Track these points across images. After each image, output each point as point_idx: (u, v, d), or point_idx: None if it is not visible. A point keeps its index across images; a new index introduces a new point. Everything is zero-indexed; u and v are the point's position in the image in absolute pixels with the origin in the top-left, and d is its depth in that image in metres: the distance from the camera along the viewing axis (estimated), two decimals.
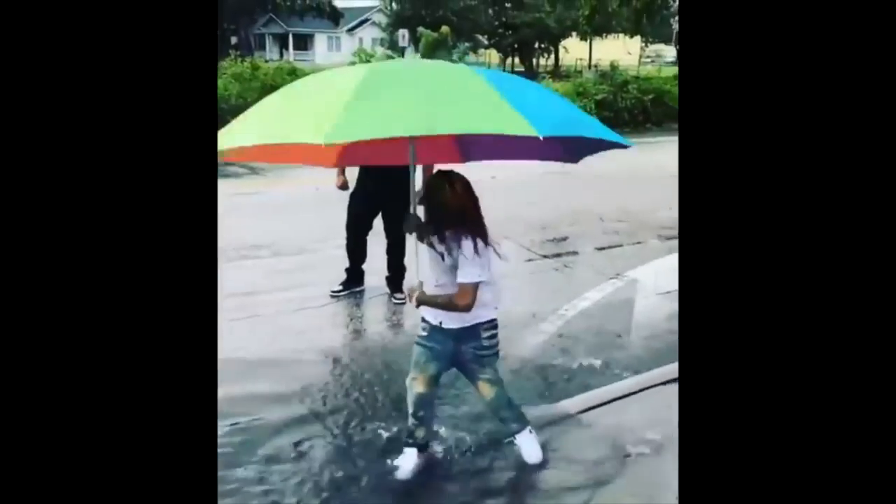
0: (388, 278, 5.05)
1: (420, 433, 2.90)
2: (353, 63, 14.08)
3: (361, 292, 5.10)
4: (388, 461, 2.92)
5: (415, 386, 2.85)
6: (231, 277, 5.14)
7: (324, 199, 5.79)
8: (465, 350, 2.78)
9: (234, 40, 29.65)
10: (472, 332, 2.75)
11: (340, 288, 5.04)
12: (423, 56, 21.80)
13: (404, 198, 4.84)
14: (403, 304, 4.85)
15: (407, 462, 2.89)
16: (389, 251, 4.97)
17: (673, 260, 5.73)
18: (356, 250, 5.03)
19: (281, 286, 5.12)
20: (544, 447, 2.99)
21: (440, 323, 2.74)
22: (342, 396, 3.54)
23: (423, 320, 2.82)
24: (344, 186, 4.90)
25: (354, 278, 5.09)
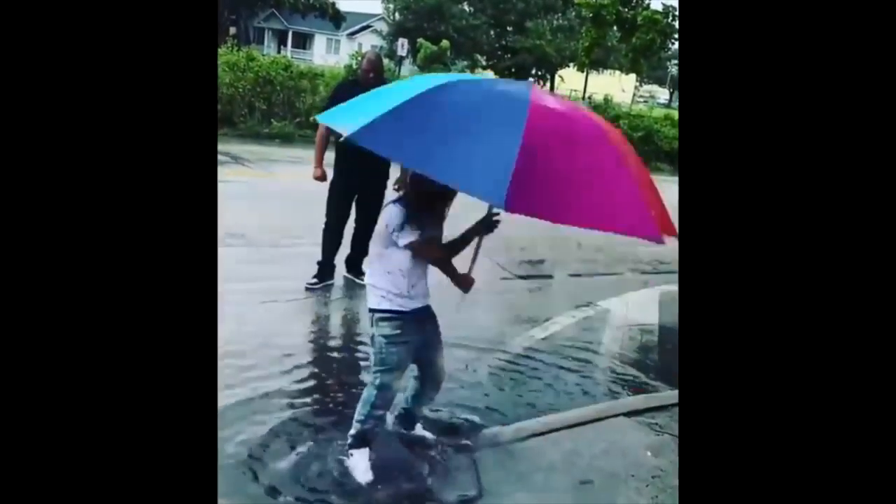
0: (349, 259, 5.24)
1: (374, 432, 2.82)
2: (349, 65, 14.05)
3: (331, 286, 5.11)
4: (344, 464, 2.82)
5: (395, 385, 2.78)
6: None
7: (305, 194, 5.73)
8: (429, 331, 2.81)
9: (232, 30, 29.48)
10: (429, 310, 2.79)
11: (315, 281, 5.05)
12: (420, 67, 21.87)
13: (379, 186, 5.01)
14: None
15: (362, 462, 2.79)
16: (357, 236, 5.14)
17: (647, 294, 5.74)
18: (333, 239, 5.09)
19: (249, 277, 5.04)
20: (498, 465, 2.93)
21: (408, 307, 2.67)
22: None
23: (386, 317, 2.66)
24: (322, 178, 4.92)
25: (327, 272, 5.11)
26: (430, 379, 2.97)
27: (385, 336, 2.68)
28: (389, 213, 2.60)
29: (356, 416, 2.79)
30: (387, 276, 2.64)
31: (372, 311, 2.71)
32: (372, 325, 2.72)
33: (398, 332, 2.67)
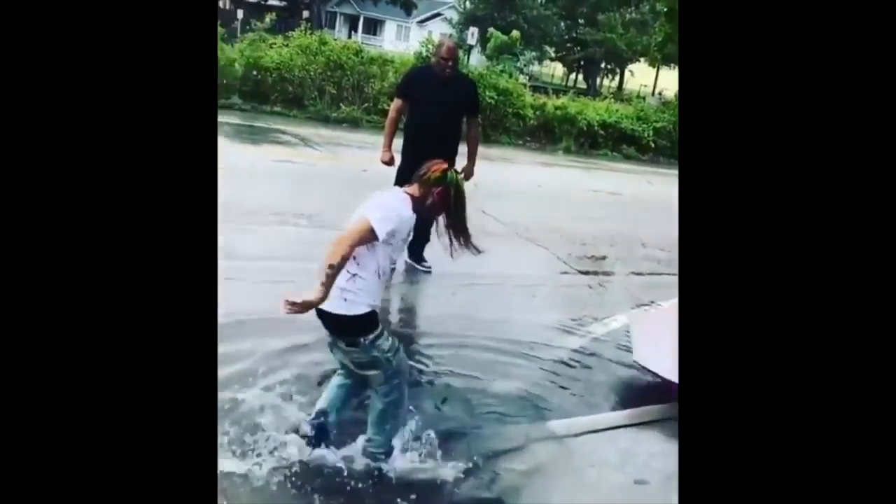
0: (411, 245, 5.18)
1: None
2: (419, 53, 14.08)
3: (394, 270, 5.13)
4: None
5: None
6: (264, 240, 5.17)
7: (369, 178, 5.80)
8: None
9: (305, 14, 29.96)
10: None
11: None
12: (489, 57, 21.77)
13: None
14: (430, 272, 5.20)
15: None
16: (420, 222, 5.06)
17: None
18: None
19: (312, 257, 5.13)
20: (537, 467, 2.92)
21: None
22: None
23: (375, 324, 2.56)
24: (390, 162, 4.95)
25: None
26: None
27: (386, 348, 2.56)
28: (407, 214, 2.53)
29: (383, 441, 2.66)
30: (377, 277, 2.51)
31: (356, 318, 2.48)
32: (354, 338, 2.52)
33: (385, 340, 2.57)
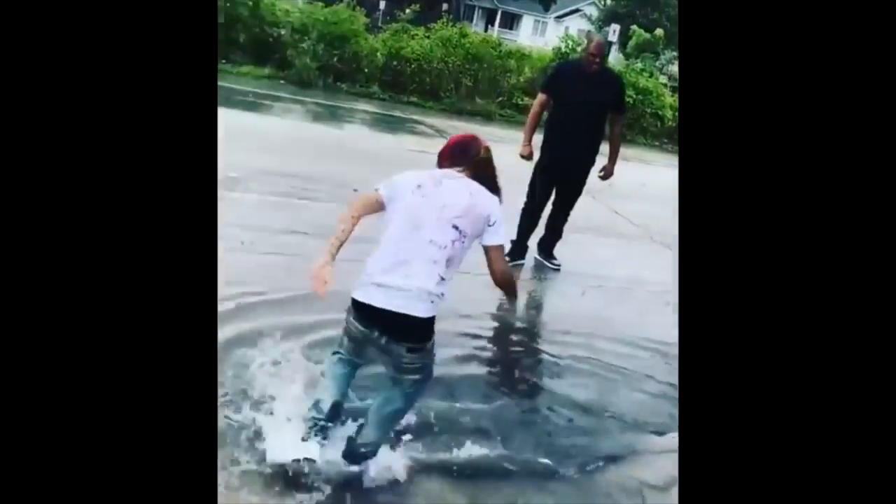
0: (542, 241, 5.23)
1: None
2: (558, 48, 13.92)
3: (522, 266, 5.14)
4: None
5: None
6: None
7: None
8: None
9: (445, 6, 30.35)
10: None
11: (507, 259, 5.07)
12: (628, 55, 21.19)
13: (583, 173, 4.99)
14: (559, 269, 5.20)
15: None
16: (555, 216, 5.15)
17: None
18: (530, 219, 5.10)
19: None
20: None
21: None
22: None
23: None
24: (529, 156, 4.94)
25: (519, 251, 5.14)
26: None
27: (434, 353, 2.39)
28: (490, 200, 2.32)
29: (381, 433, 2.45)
30: (442, 281, 2.25)
31: (432, 322, 2.29)
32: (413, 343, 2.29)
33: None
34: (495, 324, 4.22)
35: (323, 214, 5.24)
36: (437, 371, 2.56)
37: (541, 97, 5.01)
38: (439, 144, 2.29)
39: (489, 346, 3.89)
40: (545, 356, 3.85)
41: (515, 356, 3.89)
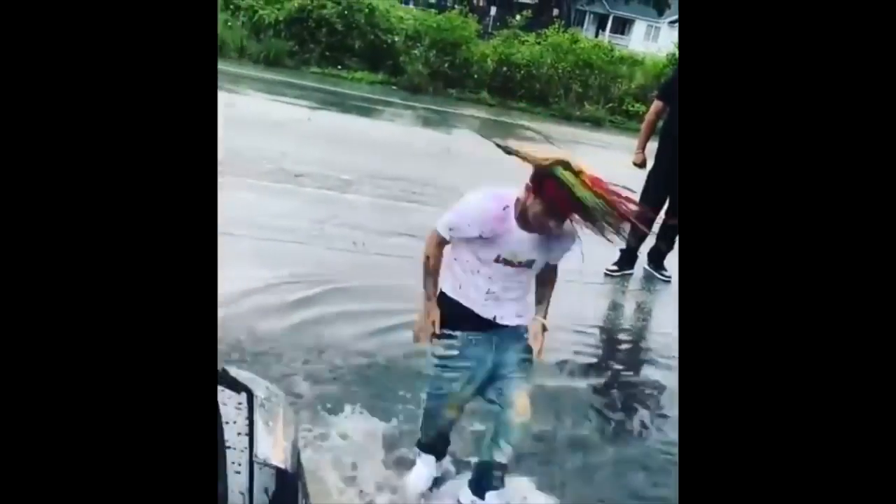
0: (653, 251, 5.14)
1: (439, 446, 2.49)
2: (672, 54, 13.54)
3: (630, 276, 5.08)
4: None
5: (445, 413, 2.36)
6: None
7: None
8: (507, 356, 2.26)
9: (556, 12, 30.18)
10: (517, 331, 2.29)
11: (615, 268, 5.04)
12: None
13: None
14: (669, 281, 5.09)
15: (424, 468, 2.48)
16: (666, 228, 5.00)
17: None
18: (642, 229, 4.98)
19: None
20: None
21: (494, 317, 2.25)
22: None
23: (447, 333, 2.28)
24: (642, 164, 4.86)
25: (628, 260, 5.07)
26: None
27: (437, 357, 2.33)
28: (484, 208, 2.18)
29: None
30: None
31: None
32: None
33: (453, 353, 2.29)
34: (600, 332, 4.18)
35: (431, 217, 5.34)
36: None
37: (656, 104, 4.91)
38: (545, 151, 2.19)
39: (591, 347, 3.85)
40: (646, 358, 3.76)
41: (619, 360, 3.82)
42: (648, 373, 3.74)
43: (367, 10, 12.43)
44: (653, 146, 4.92)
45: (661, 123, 4.94)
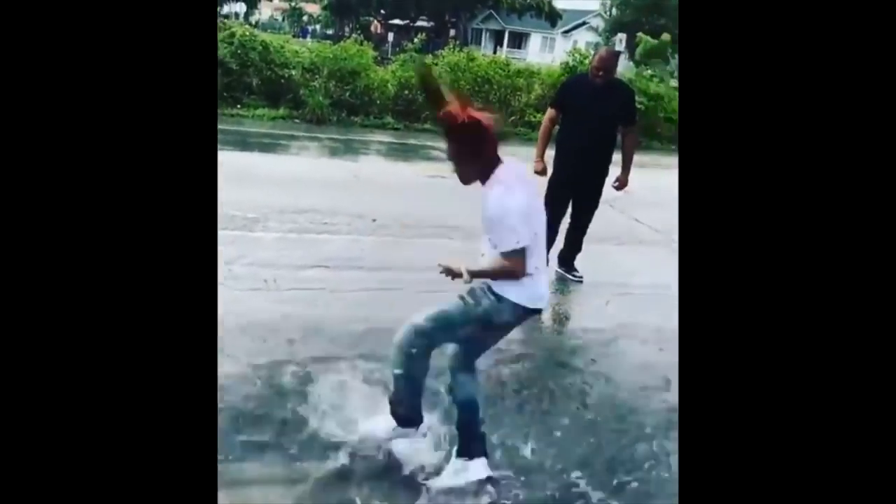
0: (562, 254, 5.24)
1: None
2: (566, 63, 13.98)
3: None
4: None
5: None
6: (424, 250, 5.32)
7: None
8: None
9: (452, 32, 30.74)
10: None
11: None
12: (637, 63, 21.18)
13: (597, 185, 4.97)
14: (581, 281, 5.20)
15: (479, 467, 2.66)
16: (571, 232, 5.18)
17: None
18: (550, 234, 5.05)
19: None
20: None
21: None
22: None
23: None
24: (542, 172, 4.95)
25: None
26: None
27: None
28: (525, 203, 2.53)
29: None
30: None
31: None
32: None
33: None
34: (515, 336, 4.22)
35: (342, 246, 5.28)
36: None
37: (550, 112, 5.03)
38: (444, 168, 2.39)
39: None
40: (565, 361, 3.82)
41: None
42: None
43: (260, 48, 12.27)
44: (551, 153, 5.04)
45: (556, 130, 5.06)
